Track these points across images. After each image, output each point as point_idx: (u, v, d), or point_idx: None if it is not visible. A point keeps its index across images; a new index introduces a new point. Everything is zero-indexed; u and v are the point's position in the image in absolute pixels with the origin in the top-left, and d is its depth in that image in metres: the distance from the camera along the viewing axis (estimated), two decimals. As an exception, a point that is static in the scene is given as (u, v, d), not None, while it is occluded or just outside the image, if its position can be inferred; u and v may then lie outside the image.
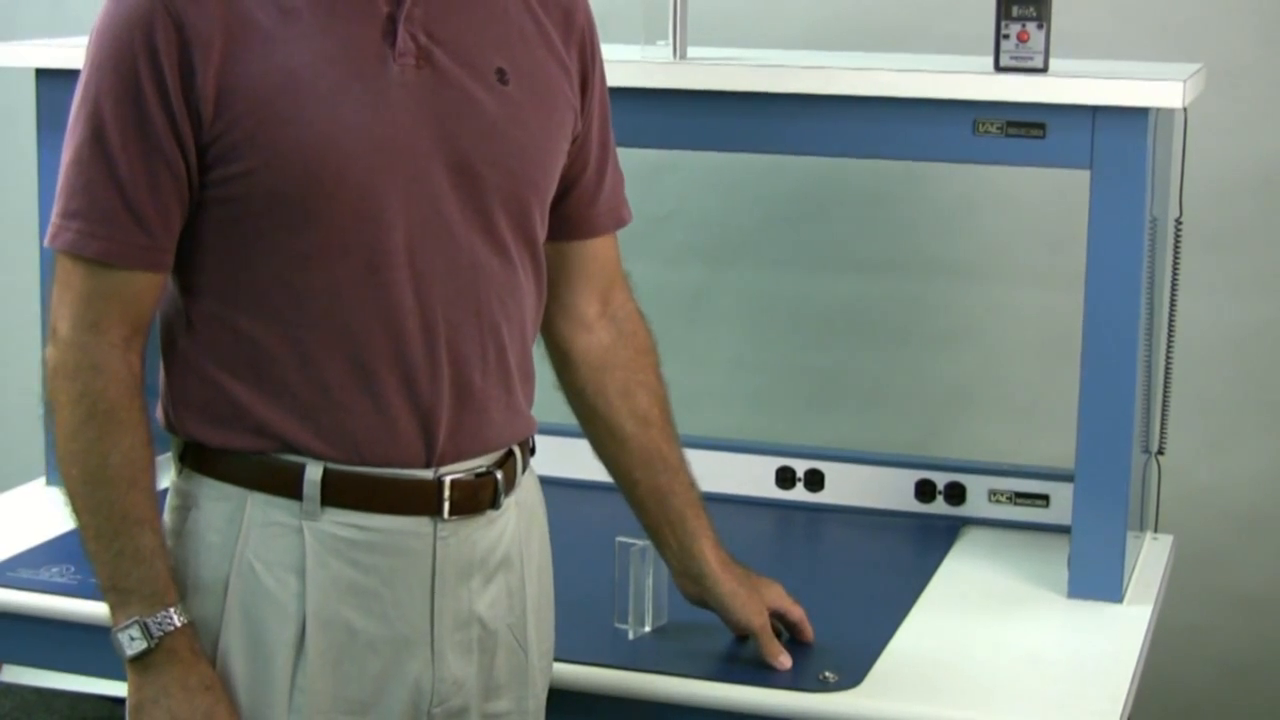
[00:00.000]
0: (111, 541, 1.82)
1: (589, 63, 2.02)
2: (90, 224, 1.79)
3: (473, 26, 1.88)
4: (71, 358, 1.81)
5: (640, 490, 2.21)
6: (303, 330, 1.81)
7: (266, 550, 1.85)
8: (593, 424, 2.20)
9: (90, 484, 1.82)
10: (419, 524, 1.87)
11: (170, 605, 1.82)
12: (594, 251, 2.13)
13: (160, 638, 1.81)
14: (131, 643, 1.81)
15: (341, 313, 1.81)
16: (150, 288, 1.82)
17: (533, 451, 2.04)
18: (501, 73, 1.88)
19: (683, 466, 2.22)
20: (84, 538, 1.85)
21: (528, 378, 1.99)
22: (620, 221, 2.16)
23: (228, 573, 1.86)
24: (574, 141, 2.01)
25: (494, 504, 1.93)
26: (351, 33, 1.81)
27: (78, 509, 1.84)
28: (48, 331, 1.84)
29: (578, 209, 2.08)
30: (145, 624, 1.81)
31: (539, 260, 1.97)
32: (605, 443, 2.20)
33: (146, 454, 1.84)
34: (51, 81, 2.89)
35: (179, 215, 1.81)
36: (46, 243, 1.83)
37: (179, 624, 1.82)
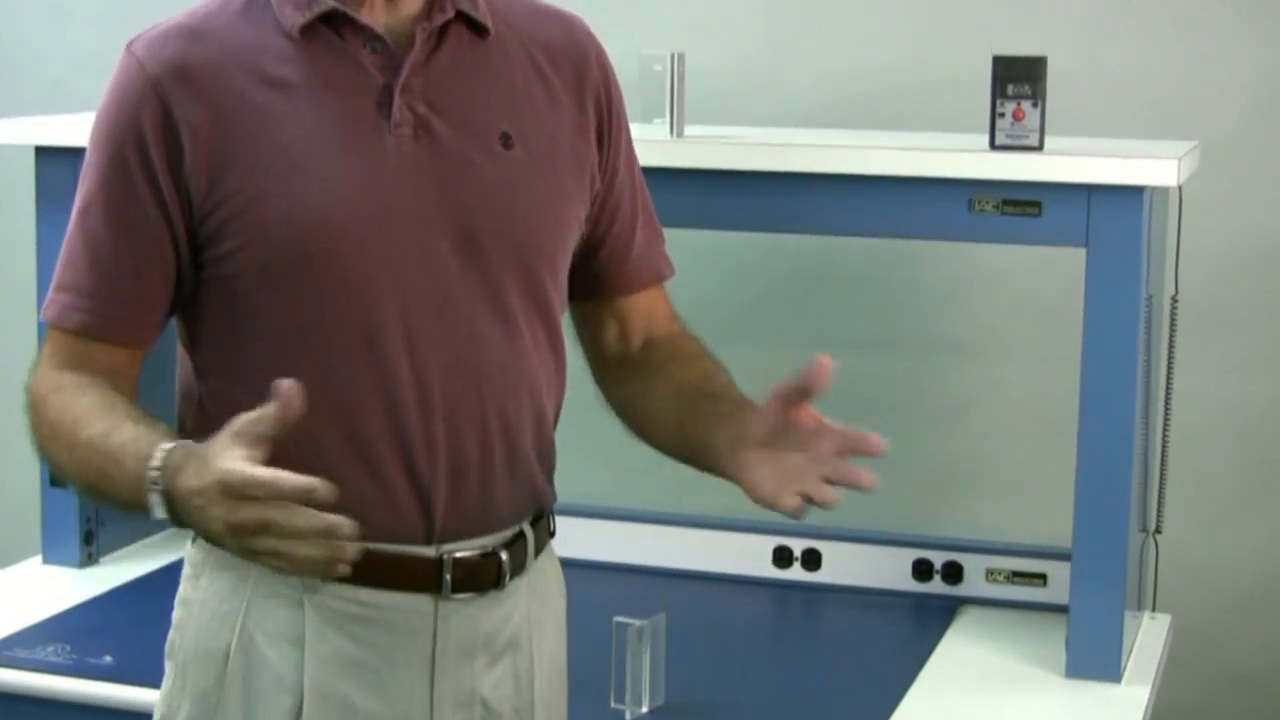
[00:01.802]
0: (86, 467, 1.78)
1: (606, 117, 1.99)
2: (74, 297, 1.84)
3: (476, 92, 1.87)
4: (50, 378, 1.84)
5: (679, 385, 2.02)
6: (303, 405, 1.81)
7: (268, 621, 1.85)
8: (626, 402, 2.07)
9: (51, 438, 1.81)
10: (419, 601, 1.86)
11: (150, 454, 1.70)
12: (634, 306, 2.08)
13: (166, 486, 1.69)
14: (157, 509, 1.70)
15: (337, 387, 1.81)
16: (128, 360, 1.87)
17: (552, 533, 2.01)
18: (506, 137, 1.87)
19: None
20: (79, 486, 1.82)
21: (543, 450, 1.95)
22: (659, 275, 2.10)
23: (229, 642, 1.85)
24: (594, 200, 1.98)
25: (498, 584, 1.90)
26: (345, 106, 1.81)
27: (60, 464, 1.82)
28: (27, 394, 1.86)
29: (611, 265, 2.04)
30: (150, 488, 1.69)
31: (553, 327, 1.94)
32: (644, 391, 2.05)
33: (99, 395, 1.81)
34: (51, 158, 2.91)
35: (162, 293, 1.84)
36: (41, 313, 1.88)
37: (163, 456, 1.69)
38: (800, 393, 1.81)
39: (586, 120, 1.96)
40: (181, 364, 1.92)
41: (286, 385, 1.62)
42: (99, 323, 1.84)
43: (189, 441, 1.71)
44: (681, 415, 1.98)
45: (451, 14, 1.86)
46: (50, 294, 1.87)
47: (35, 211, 2.95)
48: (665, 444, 2.01)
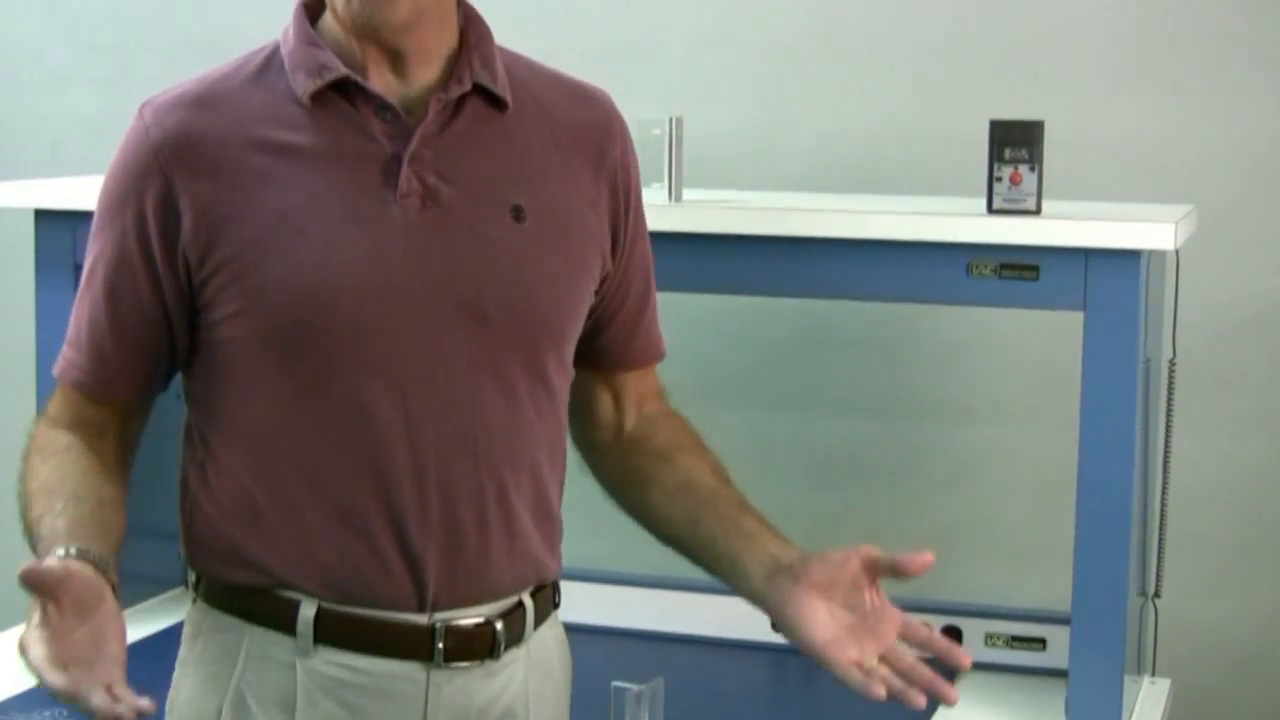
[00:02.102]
0: (31, 541, 1.79)
1: (622, 199, 1.97)
2: (74, 354, 1.90)
3: (489, 164, 1.86)
4: (40, 435, 1.88)
5: (691, 512, 1.99)
6: (291, 470, 1.81)
7: (260, 684, 1.84)
8: (625, 476, 2.06)
9: (20, 504, 1.83)
10: (411, 669, 1.84)
11: (58, 544, 1.70)
12: (631, 380, 2.08)
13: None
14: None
15: (328, 452, 1.80)
16: (119, 418, 1.91)
17: (557, 604, 1.99)
18: (518, 210, 1.85)
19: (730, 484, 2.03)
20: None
21: (545, 520, 1.92)
22: (659, 355, 2.11)
23: (220, 703, 1.85)
24: (604, 279, 1.96)
25: (493, 654, 1.88)
26: (351, 173, 1.80)
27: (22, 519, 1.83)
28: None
29: (615, 343, 2.03)
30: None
31: (556, 399, 1.92)
32: (641, 483, 2.04)
33: (57, 468, 1.83)
34: (50, 222, 2.92)
35: (150, 362, 1.87)
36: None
37: (59, 554, 1.68)
38: (888, 569, 1.81)
39: (603, 200, 1.94)
40: (186, 426, 1.92)
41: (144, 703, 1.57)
42: (89, 382, 1.89)
43: (83, 558, 1.67)
44: (695, 515, 1.98)
45: (469, 86, 1.84)
46: (62, 347, 1.92)
47: (34, 275, 2.95)
48: (666, 535, 2.01)
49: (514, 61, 1.93)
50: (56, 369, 1.92)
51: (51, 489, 1.81)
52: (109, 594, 1.65)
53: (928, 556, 1.78)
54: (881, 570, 1.81)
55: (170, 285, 1.82)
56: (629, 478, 2.05)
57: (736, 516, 1.96)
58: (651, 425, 2.07)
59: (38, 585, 1.58)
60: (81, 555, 1.68)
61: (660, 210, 2.68)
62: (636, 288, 2.03)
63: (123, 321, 1.85)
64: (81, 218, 2.78)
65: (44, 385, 2.88)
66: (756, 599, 1.89)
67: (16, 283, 3.25)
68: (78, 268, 2.79)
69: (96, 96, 3.83)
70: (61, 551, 1.68)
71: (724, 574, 1.94)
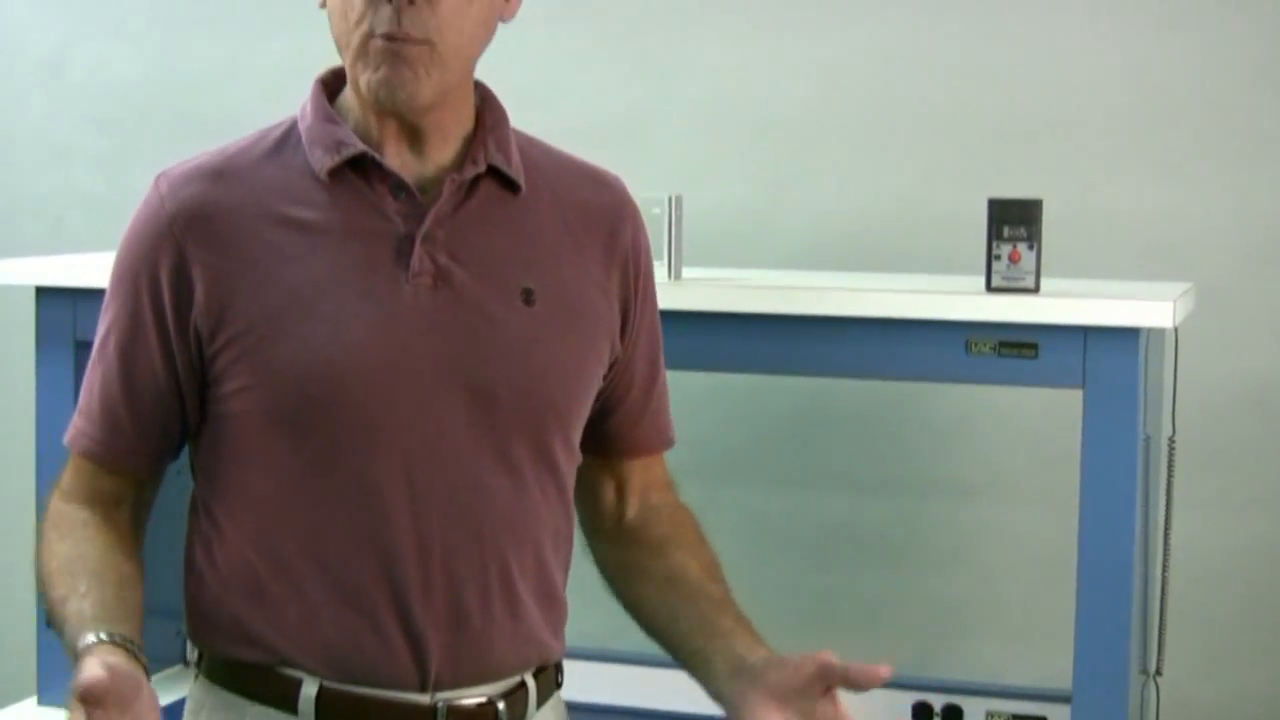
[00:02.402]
0: (53, 620, 1.79)
1: (632, 285, 1.98)
2: (85, 424, 1.90)
3: (500, 245, 1.86)
4: (52, 517, 1.88)
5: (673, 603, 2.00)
6: (296, 546, 1.81)
7: None
8: (619, 567, 2.07)
9: (39, 580, 1.84)
10: None
11: (79, 637, 1.71)
12: (636, 469, 2.07)
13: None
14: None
15: (333, 530, 1.80)
16: (132, 488, 1.91)
17: (559, 685, 1.98)
18: (528, 293, 1.86)
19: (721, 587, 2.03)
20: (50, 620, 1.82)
21: (549, 603, 1.92)
22: (667, 441, 2.10)
23: None
24: (613, 364, 1.97)
25: None
26: (364, 251, 1.81)
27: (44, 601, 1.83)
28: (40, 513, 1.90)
29: (621, 429, 2.03)
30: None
31: (562, 482, 1.92)
32: (639, 582, 2.04)
33: (74, 545, 1.84)
34: (51, 299, 2.92)
35: (162, 432, 1.88)
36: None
37: (91, 641, 1.69)
38: (847, 681, 1.79)
39: (613, 284, 1.95)
40: (192, 500, 1.93)
41: None
42: (100, 452, 1.89)
43: (114, 644, 1.69)
44: (677, 610, 1.97)
45: (483, 168, 1.86)
46: (73, 415, 1.92)
47: (35, 352, 2.95)
48: (652, 628, 2.00)
49: (528, 144, 1.95)
50: (67, 438, 1.92)
51: (73, 569, 1.81)
52: (145, 683, 1.66)
53: (884, 670, 1.76)
54: (835, 680, 1.79)
55: (182, 357, 1.83)
56: (622, 569, 2.05)
57: (715, 614, 1.95)
58: (652, 516, 2.07)
59: (92, 699, 1.57)
60: (112, 640, 1.68)
61: (660, 288, 2.67)
62: (643, 373, 2.03)
63: (136, 391, 1.86)
64: (83, 295, 2.83)
65: (44, 462, 2.88)
66: (719, 698, 1.89)
67: (17, 360, 3.25)
68: (79, 345, 2.85)
69: (98, 173, 3.84)
70: (92, 638, 1.68)
71: (695, 671, 1.93)
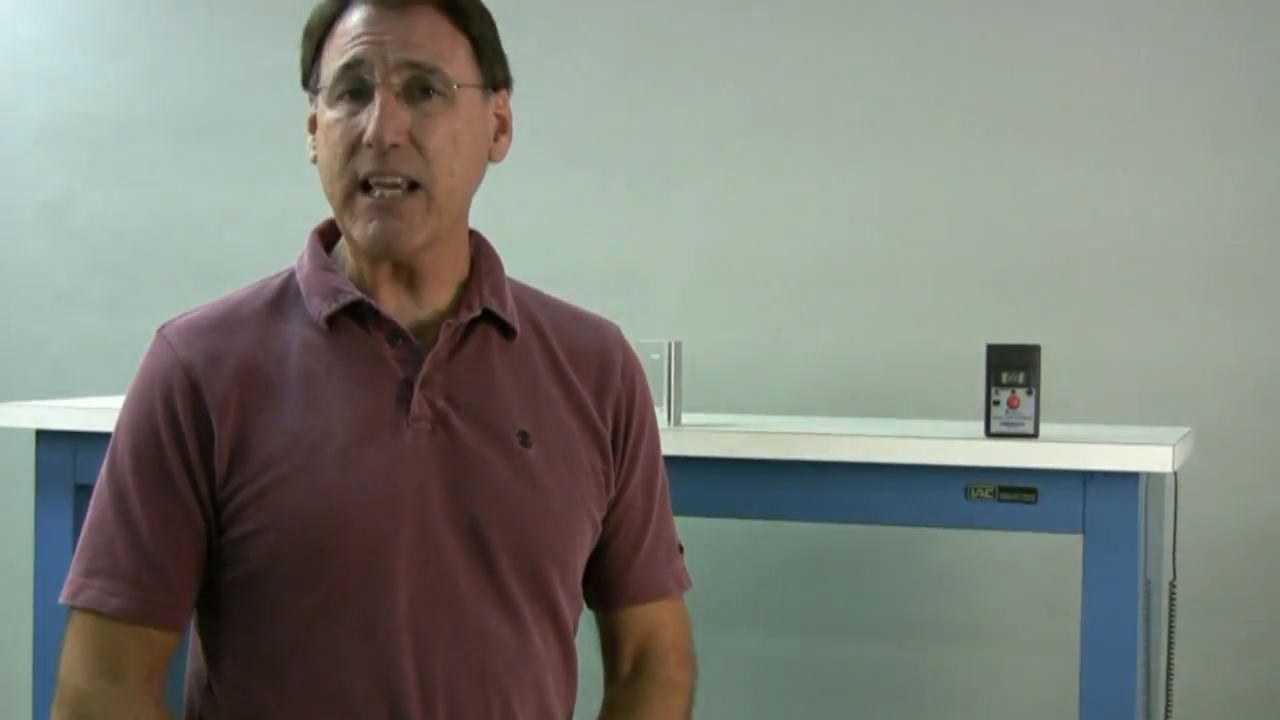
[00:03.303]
0: None
1: (625, 425, 1.98)
2: (113, 582, 1.83)
3: (496, 390, 1.88)
4: (92, 708, 1.81)
5: None
6: (302, 687, 1.80)
7: None
8: None
9: None
10: None
11: None
12: (627, 621, 2.03)
13: None
14: None
15: (339, 673, 1.80)
16: (167, 642, 1.85)
17: None
18: (524, 436, 1.87)
19: None
20: None
21: None
22: (661, 591, 2.04)
23: None
24: (612, 506, 1.97)
25: None
26: (367, 397, 1.83)
27: None
28: (56, 693, 1.83)
29: (609, 574, 2.01)
30: None
31: (564, 629, 1.92)
32: None
33: None
34: (51, 443, 2.92)
35: (199, 572, 1.84)
36: (64, 599, 1.85)
37: None
38: None
39: (605, 427, 1.96)
40: (192, 644, 1.91)
41: None
42: (141, 608, 1.82)
43: None
44: None
45: (479, 312, 1.89)
46: (79, 580, 1.84)
47: (34, 496, 2.95)
48: None
49: (522, 291, 1.97)
50: (84, 599, 1.83)
51: None
52: None
53: None
54: None
55: (206, 499, 1.82)
56: None
57: None
58: (637, 686, 2.02)
59: None
60: None
61: (660, 434, 2.68)
62: (634, 519, 2.01)
63: (174, 538, 1.82)
64: (83, 439, 2.83)
65: (43, 604, 2.87)
66: None
67: (17, 504, 3.25)
68: (78, 488, 2.84)
69: (98, 318, 3.86)
70: None
71: None
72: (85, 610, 1.83)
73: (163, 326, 1.88)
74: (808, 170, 3.45)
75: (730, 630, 3.44)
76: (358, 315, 1.86)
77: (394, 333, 1.85)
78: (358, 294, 1.85)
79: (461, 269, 1.91)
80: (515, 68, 1.92)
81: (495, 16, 1.89)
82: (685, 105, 3.54)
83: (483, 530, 1.83)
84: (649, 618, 2.04)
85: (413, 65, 1.81)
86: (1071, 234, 3.29)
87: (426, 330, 1.87)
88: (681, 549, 2.09)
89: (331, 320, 1.85)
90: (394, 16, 1.82)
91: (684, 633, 2.07)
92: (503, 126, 1.91)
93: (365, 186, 1.81)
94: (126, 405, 1.87)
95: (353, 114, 1.81)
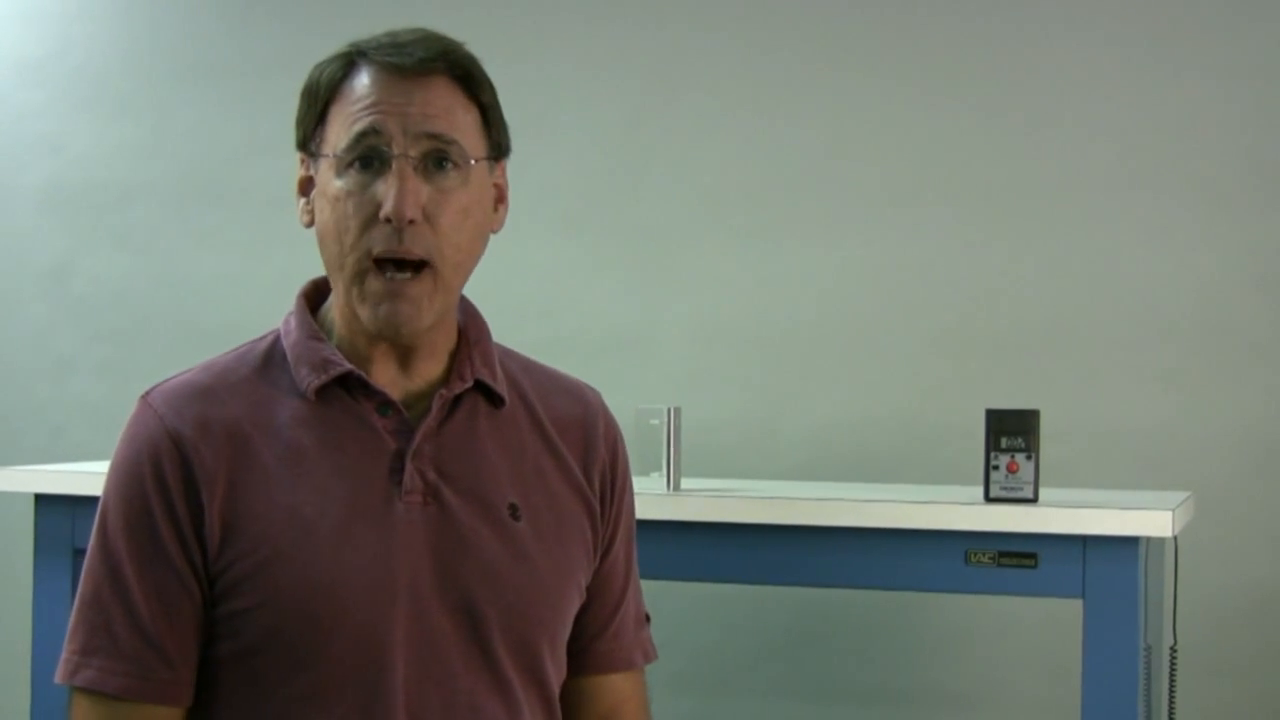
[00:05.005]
0: None
1: (609, 494, 1.96)
2: (112, 660, 1.77)
3: (486, 462, 1.86)
4: None
5: None
6: None
7: None
8: None
9: None
10: None
11: None
12: (594, 690, 1.99)
13: None
14: None
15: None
16: (173, 718, 1.79)
17: None
18: (514, 508, 1.85)
19: None
20: None
21: None
22: (628, 663, 2.00)
23: None
24: (595, 575, 1.95)
25: None
26: (359, 470, 1.80)
27: None
28: None
29: (579, 641, 1.96)
30: None
31: (550, 700, 1.90)
32: None
33: None
34: (50, 507, 2.92)
35: (198, 645, 1.80)
36: (60, 679, 1.80)
37: None
38: None
39: (591, 495, 1.94)
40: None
41: None
42: (142, 686, 1.77)
43: None
44: None
45: (470, 383, 1.86)
46: (76, 658, 1.79)
47: (33, 560, 2.95)
48: None
49: (506, 357, 1.94)
50: (84, 680, 1.78)
51: None
52: None
53: None
54: None
55: (200, 571, 1.78)
56: None
57: None
58: None
59: None
60: None
61: (659, 499, 2.68)
62: (613, 589, 1.98)
63: (172, 611, 1.77)
64: (81, 503, 2.83)
65: (40, 668, 2.86)
66: None
67: (16, 568, 3.25)
68: (77, 552, 2.83)
69: (98, 383, 3.86)
70: None
71: None
72: (86, 690, 1.78)
73: (147, 393, 1.83)
74: (806, 237, 3.46)
75: (730, 696, 3.43)
76: (346, 385, 1.82)
77: (384, 403, 1.82)
78: (348, 366, 1.81)
79: (453, 339, 1.88)
80: (514, 133, 1.88)
81: (495, 82, 1.88)
82: (684, 172, 3.56)
83: (476, 608, 1.81)
84: (615, 689, 2.01)
85: (432, 137, 1.77)
86: (1070, 299, 3.30)
87: (416, 401, 1.84)
88: (648, 619, 2.06)
89: (319, 392, 1.81)
90: (410, 84, 1.78)
91: (644, 706, 2.04)
92: (500, 196, 1.88)
93: (377, 263, 1.77)
94: (114, 475, 1.81)
95: (365, 185, 1.77)
